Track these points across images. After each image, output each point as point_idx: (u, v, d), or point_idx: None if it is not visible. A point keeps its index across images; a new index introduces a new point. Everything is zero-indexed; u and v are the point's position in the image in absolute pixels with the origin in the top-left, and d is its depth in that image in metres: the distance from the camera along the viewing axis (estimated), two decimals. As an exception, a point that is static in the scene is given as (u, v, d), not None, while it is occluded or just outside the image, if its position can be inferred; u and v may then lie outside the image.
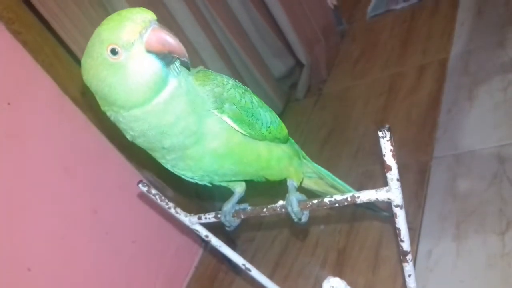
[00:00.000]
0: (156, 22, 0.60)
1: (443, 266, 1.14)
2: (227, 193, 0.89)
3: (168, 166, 0.76)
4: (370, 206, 1.10)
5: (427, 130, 1.52)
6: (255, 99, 0.77)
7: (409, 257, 0.73)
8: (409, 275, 0.77)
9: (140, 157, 1.51)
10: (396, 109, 1.71)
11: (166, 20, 1.59)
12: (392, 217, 1.15)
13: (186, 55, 0.60)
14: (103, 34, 0.59)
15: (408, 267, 0.75)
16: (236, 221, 0.87)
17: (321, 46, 2.24)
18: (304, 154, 0.92)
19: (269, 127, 0.77)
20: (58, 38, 1.36)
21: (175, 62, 0.62)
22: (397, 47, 2.05)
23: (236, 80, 0.76)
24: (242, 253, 1.02)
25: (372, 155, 1.59)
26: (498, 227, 1.13)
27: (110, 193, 1.48)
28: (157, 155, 0.73)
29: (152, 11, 0.61)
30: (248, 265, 0.99)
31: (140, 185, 0.89)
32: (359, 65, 2.16)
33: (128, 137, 0.69)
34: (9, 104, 1.25)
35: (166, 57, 0.61)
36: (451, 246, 1.16)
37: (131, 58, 0.59)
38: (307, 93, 2.22)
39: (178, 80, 0.64)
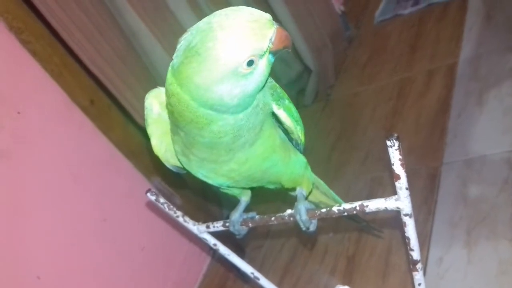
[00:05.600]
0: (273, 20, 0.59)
1: (454, 273, 1.12)
2: (234, 200, 0.89)
3: (200, 175, 0.74)
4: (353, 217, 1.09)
5: (437, 136, 1.50)
6: None
7: (419, 266, 0.72)
8: (419, 284, 0.76)
9: (148, 165, 1.52)
10: (405, 114, 1.70)
11: (170, 22, 1.59)
12: (366, 226, 1.14)
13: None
14: (234, 49, 0.55)
15: (418, 276, 0.74)
16: (244, 230, 0.86)
17: (328, 52, 2.24)
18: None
19: (302, 127, 0.78)
20: (67, 48, 1.37)
21: None
22: (405, 52, 2.04)
23: None
24: (250, 261, 1.01)
25: (381, 161, 1.58)
26: (509, 233, 1.11)
27: (119, 201, 1.48)
28: (207, 162, 0.69)
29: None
30: (257, 274, 0.98)
31: (148, 194, 0.89)
32: (367, 70, 2.15)
33: (204, 141, 0.64)
34: (19, 113, 1.26)
35: (277, 52, 0.60)
36: (462, 253, 1.15)
37: (262, 64, 0.58)
38: (315, 99, 2.22)
39: None
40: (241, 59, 0.55)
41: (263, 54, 0.57)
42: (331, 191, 0.96)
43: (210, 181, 0.75)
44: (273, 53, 0.59)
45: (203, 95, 0.58)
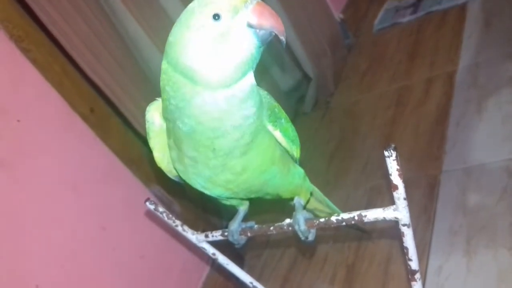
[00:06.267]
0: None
1: (453, 281, 1.12)
2: (233, 209, 0.89)
3: (198, 185, 0.73)
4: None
5: (436, 144, 1.51)
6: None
7: (417, 275, 0.72)
8: (418, 294, 0.76)
9: (148, 173, 1.51)
10: (404, 122, 1.70)
11: (169, 30, 1.59)
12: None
13: (285, 33, 0.59)
14: (202, 1, 0.58)
15: (416, 286, 0.74)
16: (243, 239, 0.86)
17: (328, 60, 2.25)
18: None
19: (298, 145, 0.78)
20: (67, 56, 1.38)
21: (269, 40, 0.61)
22: (405, 60, 2.05)
23: None
24: (249, 269, 1.01)
25: (381, 169, 1.58)
26: (509, 241, 1.11)
27: (118, 209, 1.48)
28: (200, 166, 0.68)
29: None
30: (255, 283, 0.98)
31: (147, 203, 0.89)
32: (366, 78, 2.16)
33: (185, 128, 0.63)
34: (18, 121, 1.27)
35: (264, 34, 0.59)
36: (462, 262, 1.15)
37: (232, 28, 0.58)
38: (315, 107, 2.22)
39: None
40: (207, 10, 0.57)
41: (233, 13, 0.57)
42: (325, 198, 0.96)
43: (208, 192, 0.75)
44: (258, 34, 0.59)
45: (174, 52, 0.60)
